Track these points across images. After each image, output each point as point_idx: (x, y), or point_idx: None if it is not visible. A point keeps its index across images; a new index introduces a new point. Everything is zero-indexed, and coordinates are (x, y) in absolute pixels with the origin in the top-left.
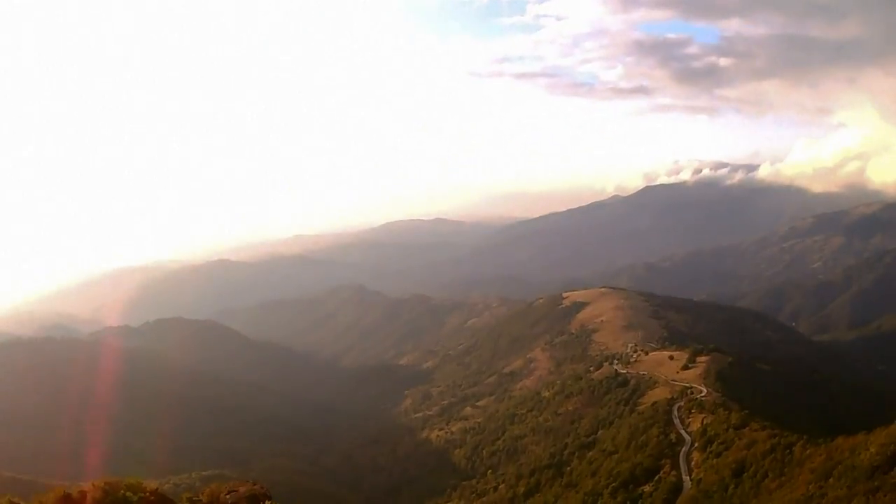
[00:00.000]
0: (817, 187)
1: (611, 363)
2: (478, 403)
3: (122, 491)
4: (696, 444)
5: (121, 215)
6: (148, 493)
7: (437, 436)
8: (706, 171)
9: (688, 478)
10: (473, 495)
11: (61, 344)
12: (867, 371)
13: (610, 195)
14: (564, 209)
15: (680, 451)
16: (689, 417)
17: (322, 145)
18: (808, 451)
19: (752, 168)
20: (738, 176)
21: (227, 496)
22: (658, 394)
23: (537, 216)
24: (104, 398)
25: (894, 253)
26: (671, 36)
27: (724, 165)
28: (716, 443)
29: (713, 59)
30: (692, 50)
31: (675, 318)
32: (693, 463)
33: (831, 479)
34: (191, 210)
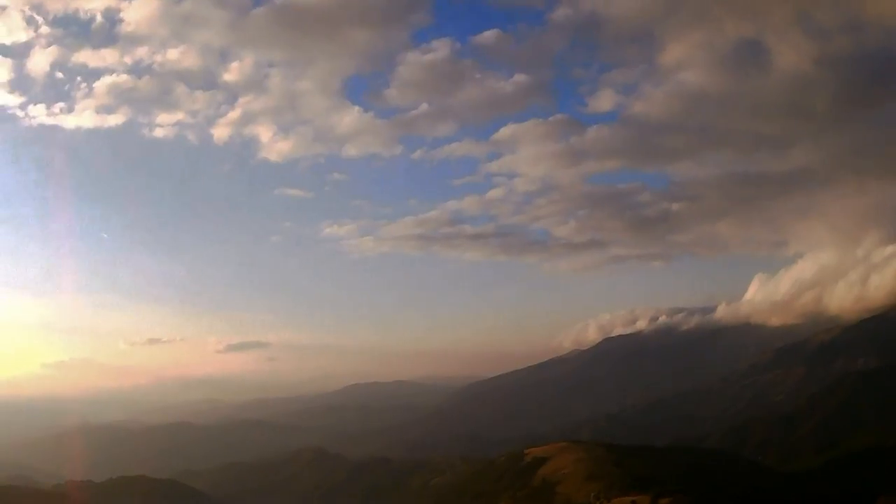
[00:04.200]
0: (775, 321)
1: None
2: None
3: None
4: None
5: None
6: None
7: None
8: (662, 319)
9: None
10: None
11: (26, 494)
12: (836, 493)
13: (568, 350)
14: (523, 366)
15: None
16: None
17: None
18: None
19: (708, 310)
20: (695, 320)
21: None
22: None
23: (497, 374)
24: None
25: (855, 375)
26: (622, 186)
27: (680, 311)
28: None
29: (665, 204)
30: (644, 198)
31: (638, 465)
32: None
33: None
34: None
